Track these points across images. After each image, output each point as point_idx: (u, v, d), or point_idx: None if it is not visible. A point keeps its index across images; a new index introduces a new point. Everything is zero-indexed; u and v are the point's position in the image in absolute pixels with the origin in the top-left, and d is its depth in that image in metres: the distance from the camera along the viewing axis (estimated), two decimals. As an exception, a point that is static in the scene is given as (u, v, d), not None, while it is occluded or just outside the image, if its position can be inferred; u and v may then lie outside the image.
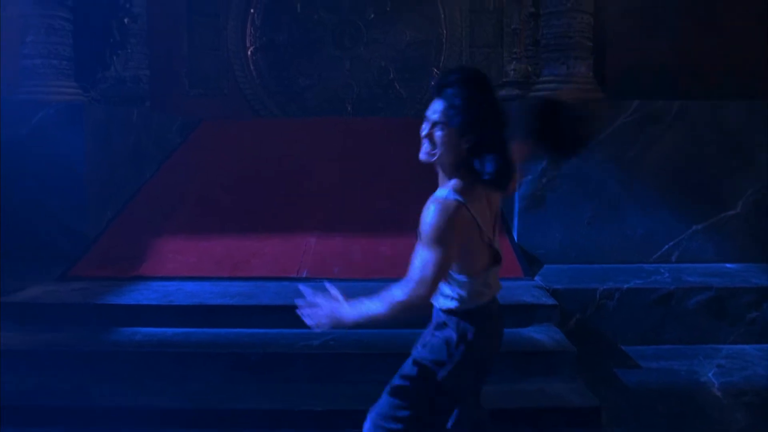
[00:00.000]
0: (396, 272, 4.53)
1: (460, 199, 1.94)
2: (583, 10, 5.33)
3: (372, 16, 9.27)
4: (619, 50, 6.32)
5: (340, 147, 6.85)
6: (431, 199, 1.96)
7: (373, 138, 7.05)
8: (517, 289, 4.39)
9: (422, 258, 1.91)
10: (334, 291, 2.07)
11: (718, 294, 4.53)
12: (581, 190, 5.09)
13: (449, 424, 2.23)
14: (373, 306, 1.97)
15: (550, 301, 4.23)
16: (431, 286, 1.91)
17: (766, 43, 5.97)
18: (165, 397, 3.58)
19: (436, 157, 2.01)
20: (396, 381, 2.18)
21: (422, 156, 2.04)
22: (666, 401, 3.77)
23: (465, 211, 1.94)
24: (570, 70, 5.31)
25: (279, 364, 3.79)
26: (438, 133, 1.98)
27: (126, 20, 7.44)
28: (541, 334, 4.00)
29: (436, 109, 1.99)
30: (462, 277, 2.03)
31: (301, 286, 2.12)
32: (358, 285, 4.48)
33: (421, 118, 2.08)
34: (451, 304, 2.07)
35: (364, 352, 3.79)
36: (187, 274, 4.76)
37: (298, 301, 2.07)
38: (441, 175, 2.06)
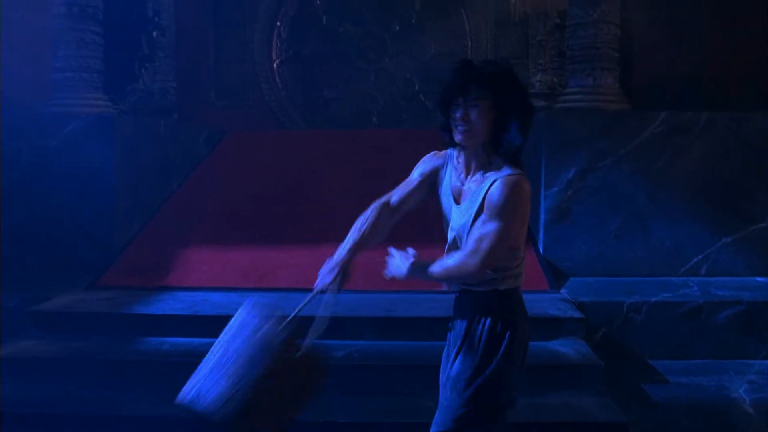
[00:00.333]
0: (418, 284, 4.53)
1: (523, 172, 2.02)
2: (610, 21, 5.30)
3: (397, 28, 9.30)
4: (646, 61, 6.28)
5: (365, 158, 6.86)
6: (500, 177, 1.99)
7: (399, 150, 7.05)
8: (543, 301, 4.35)
9: (485, 230, 1.97)
10: (411, 251, 2.17)
11: (748, 308, 4.44)
12: (607, 201, 5.04)
13: None
14: (433, 266, 2.08)
15: (576, 314, 4.18)
16: (485, 260, 1.98)
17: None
18: (190, 407, 3.59)
19: (473, 135, 2.03)
20: (460, 384, 2.12)
21: (458, 137, 2.06)
22: (695, 418, 3.70)
23: (529, 187, 2.02)
24: (596, 81, 5.28)
25: (303, 375, 3.78)
26: (473, 111, 2.01)
27: (154, 33, 7.56)
28: (567, 347, 3.95)
29: (463, 90, 2.02)
30: (515, 252, 2.08)
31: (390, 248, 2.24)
32: (381, 296, 4.50)
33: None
34: (503, 283, 2.09)
35: (388, 364, 3.78)
36: (213, 285, 4.79)
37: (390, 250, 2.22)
38: (475, 160, 2.09)
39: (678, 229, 5.03)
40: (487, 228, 1.96)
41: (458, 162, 2.17)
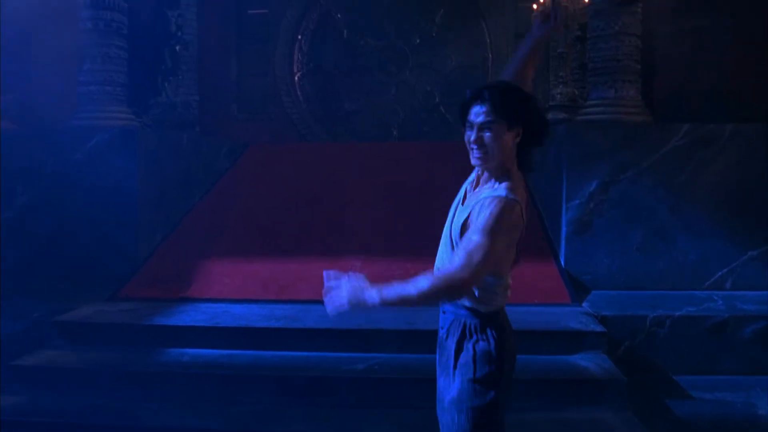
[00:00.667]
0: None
1: (517, 199, 1.99)
2: (631, 33, 5.27)
3: (418, 41, 9.34)
4: (668, 72, 6.22)
5: (385, 171, 6.87)
6: (490, 196, 1.99)
7: (419, 162, 7.06)
8: (564, 315, 4.31)
9: (474, 243, 1.92)
10: (358, 277, 2.04)
11: (775, 323, 4.37)
12: (630, 214, 5.00)
13: None
14: (405, 287, 1.95)
15: (599, 328, 4.14)
16: (475, 275, 1.93)
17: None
18: (211, 418, 3.61)
19: (489, 159, 2.04)
20: (461, 406, 2.10)
21: (475, 161, 2.07)
22: (721, 434, 3.64)
23: (519, 212, 2.00)
24: (618, 93, 5.25)
25: (323, 388, 3.79)
26: (487, 134, 2.02)
27: (177, 48, 7.65)
28: (589, 361, 3.91)
29: (478, 112, 2.03)
30: (498, 277, 2.07)
31: (325, 271, 2.10)
32: (403, 309, 4.48)
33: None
34: (489, 306, 2.09)
35: (408, 377, 3.77)
36: (234, 297, 4.82)
37: (326, 283, 2.08)
38: (485, 176, 2.10)
39: (702, 243, 4.97)
40: (475, 243, 1.92)
41: (474, 172, 2.20)
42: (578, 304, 4.61)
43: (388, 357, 3.97)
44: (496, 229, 1.93)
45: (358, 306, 1.97)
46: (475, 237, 1.93)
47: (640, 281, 4.97)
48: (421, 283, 1.94)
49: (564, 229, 5.06)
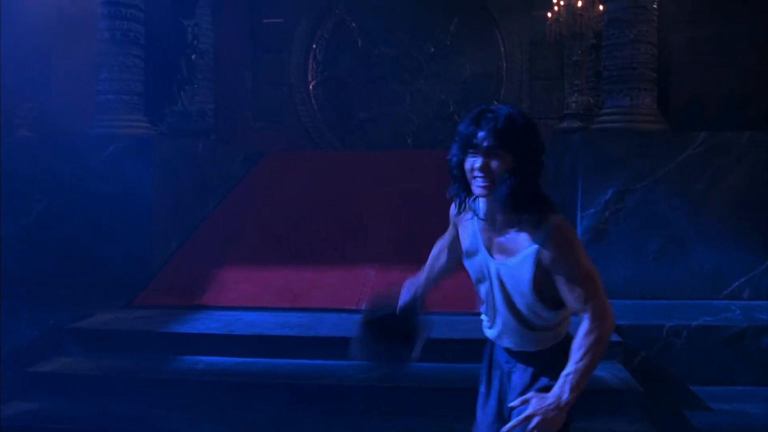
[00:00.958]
0: (454, 305, 4.50)
1: (560, 215, 1.90)
2: (647, 41, 5.25)
3: (432, 50, 9.36)
4: (684, 80, 6.19)
5: (399, 179, 6.88)
6: (549, 229, 1.85)
7: (433, 170, 7.05)
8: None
9: (587, 281, 1.85)
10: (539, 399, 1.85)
11: (793, 333, 4.32)
12: (646, 223, 4.96)
13: None
14: (576, 368, 1.84)
15: (615, 338, 4.10)
16: (605, 300, 1.88)
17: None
18: (225, 425, 3.61)
19: (493, 188, 1.88)
20: None
21: (478, 191, 1.91)
22: (739, 446, 3.59)
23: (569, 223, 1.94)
24: (633, 101, 5.22)
25: (337, 396, 3.78)
26: (494, 162, 1.86)
27: (193, 57, 7.72)
28: (605, 371, 3.88)
29: (484, 137, 1.87)
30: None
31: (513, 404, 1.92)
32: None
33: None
34: (562, 332, 2.04)
35: (422, 386, 3.75)
36: (248, 305, 4.83)
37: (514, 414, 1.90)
38: (501, 215, 1.94)
39: (719, 252, 4.92)
40: (580, 286, 1.84)
41: (481, 215, 2.02)
42: (593, 314, 4.57)
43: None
44: (577, 258, 1.86)
45: (557, 413, 1.82)
46: (576, 282, 1.85)
47: (656, 290, 4.93)
48: (584, 355, 1.84)
49: (579, 238, 5.03)
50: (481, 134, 1.88)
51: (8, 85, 6.09)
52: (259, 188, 6.99)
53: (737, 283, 4.90)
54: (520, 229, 1.91)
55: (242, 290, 5.03)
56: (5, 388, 3.98)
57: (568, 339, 1.98)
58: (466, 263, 2.10)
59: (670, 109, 6.00)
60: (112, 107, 5.72)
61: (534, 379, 2.03)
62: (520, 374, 2.06)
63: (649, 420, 3.60)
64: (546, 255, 1.85)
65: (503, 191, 1.87)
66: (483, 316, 2.20)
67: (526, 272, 1.89)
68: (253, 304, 4.84)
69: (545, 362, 2.02)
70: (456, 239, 2.19)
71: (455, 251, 2.22)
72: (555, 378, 1.90)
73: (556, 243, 1.84)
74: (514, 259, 1.92)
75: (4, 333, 4.59)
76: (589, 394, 3.68)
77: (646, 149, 5.01)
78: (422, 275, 2.41)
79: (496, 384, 2.16)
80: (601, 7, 6.68)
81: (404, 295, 2.36)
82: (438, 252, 2.38)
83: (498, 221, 1.96)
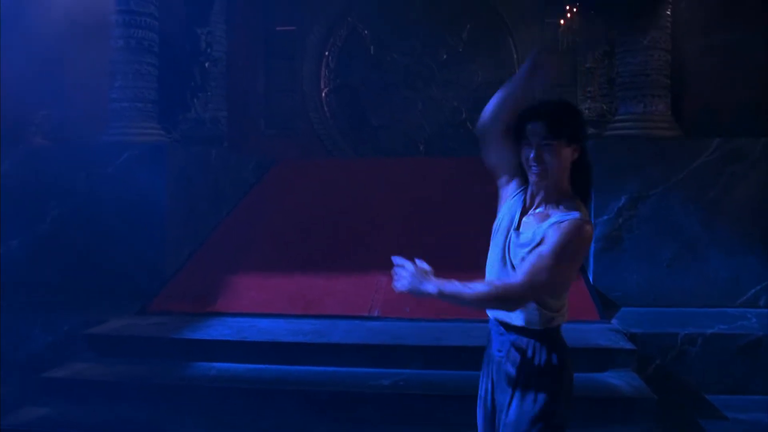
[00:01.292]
0: (467, 313, 4.48)
1: (590, 221, 1.99)
2: (661, 48, 5.23)
3: (444, 57, 9.36)
4: (698, 87, 6.16)
5: (412, 186, 6.88)
6: (566, 219, 1.96)
7: (445, 177, 7.05)
8: (593, 332, 4.25)
9: (542, 263, 1.92)
10: (422, 264, 2.08)
11: (811, 342, 4.27)
12: (660, 230, 4.94)
13: None
14: (463, 287, 1.96)
15: (628, 346, 4.07)
16: (533, 292, 1.95)
17: None
18: (237, 432, 3.61)
19: (548, 176, 2.01)
20: (522, 428, 2.05)
21: (533, 178, 2.04)
22: (755, 456, 3.55)
23: (591, 234, 2.00)
24: (647, 108, 5.20)
25: (349, 403, 3.77)
26: (547, 152, 1.99)
27: (207, 64, 7.76)
28: (619, 379, 3.85)
29: (537, 131, 2.00)
30: (559, 297, 2.06)
31: (394, 258, 2.16)
32: (430, 325, 4.47)
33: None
34: (554, 321, 2.06)
35: (434, 394, 3.74)
36: (261, 311, 4.83)
37: (395, 259, 2.13)
38: (542, 195, 2.06)
39: (734, 259, 4.88)
40: (543, 262, 1.92)
41: (527, 192, 2.14)
42: (607, 321, 4.55)
43: (414, 373, 3.94)
44: (566, 253, 1.93)
45: (416, 292, 2.03)
46: (544, 256, 1.93)
47: (670, 298, 4.90)
48: (478, 287, 1.95)
49: (593, 245, 5.01)
50: (533, 127, 2.02)
51: (23, 94, 6.15)
52: (272, 195, 7.00)
53: (753, 290, 4.86)
54: (549, 211, 2.04)
55: (255, 297, 5.04)
56: (20, 394, 4.01)
57: (559, 333, 2.10)
58: (494, 229, 2.19)
59: (684, 115, 5.97)
60: (126, 115, 5.76)
61: (521, 368, 2.07)
62: (510, 363, 2.10)
63: (663, 429, 3.56)
64: (552, 232, 1.96)
65: (555, 178, 2.02)
66: None
67: (531, 245, 2.00)
68: (266, 310, 4.84)
69: (534, 349, 2.06)
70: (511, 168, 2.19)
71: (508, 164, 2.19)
72: (542, 373, 2.03)
73: (568, 229, 1.94)
74: (528, 234, 2.04)
75: (18, 339, 4.63)
76: (602, 402, 3.68)
77: (659, 156, 4.99)
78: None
79: (488, 381, 2.22)
80: (614, 14, 6.66)
81: None
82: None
83: (536, 201, 2.08)
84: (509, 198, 2.16)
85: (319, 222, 6.20)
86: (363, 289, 5.02)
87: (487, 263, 2.17)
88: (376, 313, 4.69)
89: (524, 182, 2.14)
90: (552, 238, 1.94)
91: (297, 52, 9.54)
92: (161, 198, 5.43)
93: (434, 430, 3.60)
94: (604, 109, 7.63)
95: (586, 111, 7.79)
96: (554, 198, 2.04)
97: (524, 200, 2.12)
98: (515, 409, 2.07)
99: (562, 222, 1.96)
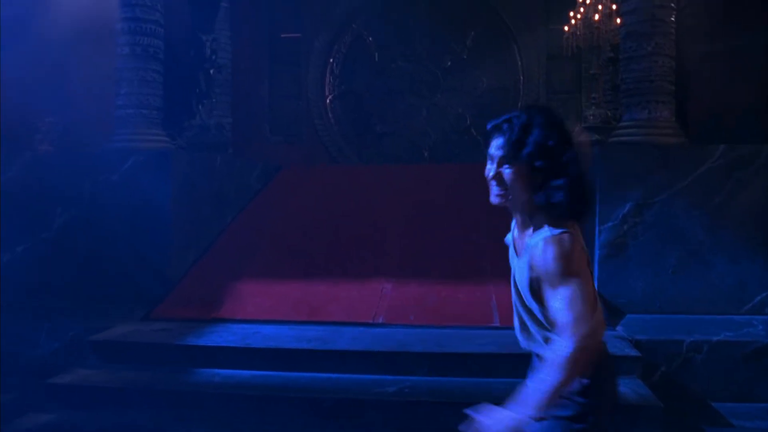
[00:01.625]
0: (472, 319, 4.48)
1: (565, 230, 1.83)
2: (665, 54, 5.23)
3: (449, 63, 9.39)
4: (703, 93, 6.17)
5: (416, 193, 6.88)
6: (539, 239, 1.84)
7: (450, 184, 7.06)
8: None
9: (563, 296, 1.78)
10: (482, 411, 1.85)
11: (817, 349, 4.25)
12: (665, 236, 4.92)
13: None
14: (545, 383, 1.75)
15: (633, 353, 4.07)
16: (589, 320, 1.77)
17: None
18: (241, 439, 3.61)
19: (509, 198, 1.89)
20: None
21: (494, 200, 1.92)
22: (762, 463, 3.53)
23: (575, 240, 1.84)
24: (651, 114, 5.19)
25: (353, 410, 3.77)
26: (507, 171, 1.86)
27: (212, 71, 7.80)
28: (624, 387, 3.83)
29: (498, 145, 1.88)
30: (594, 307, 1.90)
31: (467, 410, 1.91)
32: (434, 332, 4.46)
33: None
34: None
35: (438, 401, 3.73)
36: (265, 318, 4.83)
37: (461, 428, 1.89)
38: (524, 220, 1.94)
39: (740, 266, 4.86)
40: (558, 304, 1.79)
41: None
42: (612, 328, 4.54)
43: (419, 380, 3.94)
44: (567, 270, 1.79)
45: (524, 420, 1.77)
46: (557, 292, 1.80)
47: (675, 305, 4.88)
48: (552, 374, 1.75)
49: (597, 251, 5.00)
50: (495, 141, 1.90)
51: (29, 101, 6.18)
52: (276, 202, 7.01)
53: (759, 297, 4.83)
54: (531, 233, 1.92)
55: (259, 303, 5.04)
56: (24, 400, 4.02)
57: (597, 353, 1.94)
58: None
59: (690, 121, 5.97)
60: (132, 121, 5.78)
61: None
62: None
63: (669, 436, 3.55)
64: (534, 263, 1.85)
65: (519, 201, 1.89)
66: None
67: (525, 275, 1.90)
68: (270, 317, 4.84)
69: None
70: None
71: None
72: (576, 389, 1.89)
73: (541, 253, 1.82)
74: (520, 261, 1.94)
75: (23, 345, 4.64)
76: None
77: (664, 162, 4.98)
78: None
79: None
80: (618, 21, 6.67)
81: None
82: None
83: (519, 222, 1.98)
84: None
85: (323, 228, 6.20)
86: (367, 296, 5.01)
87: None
88: (380, 320, 4.69)
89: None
90: (541, 270, 1.83)
91: (302, 59, 9.58)
92: (166, 204, 5.44)
93: (439, 437, 3.59)
94: (609, 115, 7.64)
95: (591, 117, 7.80)
96: (528, 216, 1.92)
97: (514, 229, 2.03)
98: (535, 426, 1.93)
99: (535, 248, 1.84)
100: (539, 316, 1.92)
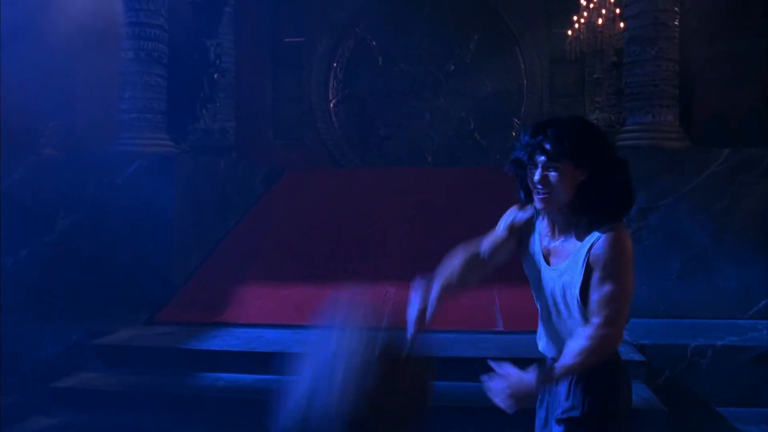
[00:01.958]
0: (475, 323, 4.47)
1: (625, 227, 1.87)
2: (669, 58, 5.22)
3: (452, 67, 9.39)
4: (707, 97, 6.15)
5: (419, 196, 6.88)
6: (602, 237, 1.85)
7: (453, 187, 7.05)
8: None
9: (615, 290, 1.83)
10: (505, 368, 1.88)
11: (822, 354, 4.23)
12: (669, 241, 4.91)
13: None
14: (563, 362, 1.84)
15: (638, 357, 4.05)
16: (621, 322, 1.84)
17: None
18: (244, 443, 3.60)
19: (555, 200, 1.90)
20: None
21: (540, 205, 1.92)
22: (767, 469, 3.52)
23: (630, 238, 1.88)
24: (655, 118, 5.19)
25: (357, 414, 3.75)
26: (553, 174, 1.87)
27: (215, 75, 7.81)
28: (628, 391, 3.82)
29: (545, 149, 1.88)
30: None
31: (490, 362, 1.95)
32: (438, 335, 4.45)
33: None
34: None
35: (441, 405, 3.72)
36: (268, 321, 4.83)
37: (483, 378, 1.94)
38: (561, 222, 1.95)
39: (744, 270, 4.85)
40: (609, 292, 1.83)
41: (542, 219, 2.03)
42: (616, 332, 4.52)
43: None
44: (622, 269, 1.85)
45: (529, 402, 1.87)
46: (607, 286, 1.83)
47: (680, 309, 4.86)
48: (573, 352, 1.83)
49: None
50: (536, 149, 1.90)
51: (33, 105, 6.20)
52: (279, 205, 7.02)
53: (764, 302, 4.82)
54: (577, 233, 1.93)
55: (262, 307, 5.04)
56: (28, 404, 4.02)
57: (617, 355, 1.98)
58: (525, 268, 2.10)
59: (694, 125, 5.96)
60: (136, 126, 5.79)
61: (575, 388, 1.97)
62: (564, 385, 2.00)
63: (673, 441, 3.54)
64: (595, 255, 1.86)
65: (562, 202, 1.90)
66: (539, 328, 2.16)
67: (577, 275, 1.90)
68: (273, 320, 4.84)
69: (588, 373, 1.95)
70: (503, 241, 2.11)
71: (500, 254, 2.12)
72: (594, 393, 1.93)
73: (608, 244, 1.84)
74: (564, 264, 1.94)
75: (27, 348, 4.64)
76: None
77: (668, 166, 4.97)
78: (479, 248, 2.14)
79: (544, 398, 2.11)
80: (621, 25, 6.67)
81: (441, 278, 2.13)
82: (506, 233, 2.13)
83: (557, 226, 1.98)
84: (528, 228, 2.08)
85: (326, 232, 6.20)
86: (371, 300, 4.99)
87: (538, 304, 2.08)
88: (384, 324, 4.67)
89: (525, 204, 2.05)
90: (600, 262, 1.85)
91: (305, 63, 9.60)
92: (169, 208, 5.45)
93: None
94: (613, 119, 7.63)
95: (594, 121, 7.79)
96: (574, 218, 1.93)
97: (545, 228, 2.02)
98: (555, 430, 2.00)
99: (598, 239, 1.86)
100: (578, 314, 1.92)
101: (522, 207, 2.09)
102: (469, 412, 3.65)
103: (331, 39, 9.53)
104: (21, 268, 5.33)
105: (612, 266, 1.84)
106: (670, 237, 4.90)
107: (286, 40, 9.65)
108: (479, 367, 4.01)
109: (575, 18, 7.94)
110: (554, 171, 1.87)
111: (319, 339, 1.92)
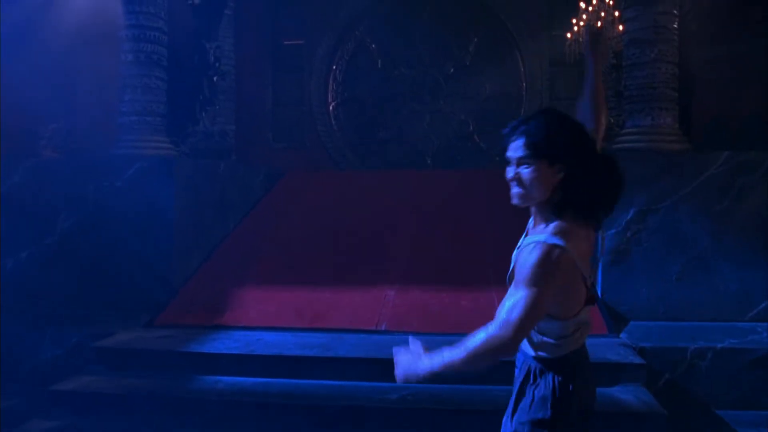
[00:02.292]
0: (475, 326, 4.46)
1: (561, 243, 1.82)
2: (668, 61, 5.23)
3: (452, 70, 9.40)
4: (706, 99, 6.15)
5: (419, 199, 6.88)
6: (533, 241, 1.85)
7: (453, 190, 7.06)
8: (602, 346, 4.23)
9: (514, 299, 1.81)
10: (415, 345, 1.96)
11: (822, 356, 4.23)
12: (669, 243, 4.91)
13: None
14: (451, 353, 1.84)
15: (638, 360, 4.05)
16: (518, 331, 1.79)
17: None
18: (244, 446, 3.61)
19: (528, 198, 1.91)
20: None
21: (514, 200, 1.94)
22: (766, 471, 3.52)
23: (566, 257, 1.82)
24: (654, 121, 5.19)
25: (356, 417, 3.76)
26: (525, 171, 1.88)
27: (215, 78, 7.81)
28: (628, 394, 3.83)
29: (517, 146, 1.90)
30: (557, 322, 1.91)
31: (410, 337, 2.06)
32: (436, 339, 4.44)
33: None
34: (546, 353, 1.95)
35: (440, 408, 3.73)
36: (268, 324, 4.83)
37: (394, 349, 2.04)
38: (537, 217, 1.96)
39: (744, 272, 4.85)
40: (513, 297, 1.81)
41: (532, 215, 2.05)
42: (616, 335, 4.53)
43: (421, 387, 3.92)
44: (537, 280, 1.79)
45: (411, 378, 1.92)
46: (516, 291, 1.82)
47: (679, 312, 4.86)
48: (465, 347, 1.83)
49: (601, 258, 4.98)
50: (513, 143, 1.92)
51: (33, 107, 6.20)
52: (279, 208, 7.02)
53: (763, 304, 4.82)
54: (527, 237, 1.96)
55: (262, 310, 5.04)
56: (28, 406, 4.02)
57: (563, 361, 1.96)
58: None
59: (693, 127, 5.96)
60: (136, 128, 5.80)
61: (520, 390, 2.01)
62: (516, 381, 2.04)
63: (673, 444, 3.54)
64: (520, 259, 1.87)
65: (537, 199, 1.91)
66: None
67: (509, 268, 1.95)
68: (273, 323, 4.84)
69: (534, 373, 1.98)
70: None
71: None
72: (541, 395, 1.93)
73: (529, 252, 1.84)
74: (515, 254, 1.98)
75: (27, 351, 4.64)
76: (612, 417, 3.65)
77: (668, 169, 4.97)
78: None
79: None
80: (621, 28, 6.67)
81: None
82: None
83: (538, 223, 1.98)
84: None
85: (326, 234, 6.21)
86: (370, 303, 5.01)
87: None
88: (383, 327, 4.68)
89: None
90: (518, 268, 1.85)
91: (305, 66, 9.61)
92: (169, 210, 5.44)
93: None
94: (612, 122, 7.62)
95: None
96: (542, 219, 1.93)
97: (528, 225, 2.05)
98: (506, 420, 2.03)
99: (528, 246, 1.85)
100: None
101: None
102: (467, 415, 3.65)
103: (331, 41, 9.55)
104: (21, 270, 5.33)
105: (524, 273, 1.82)
106: (669, 239, 4.90)
107: (286, 42, 9.66)
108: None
109: (574, 21, 7.95)
110: (527, 168, 1.89)
111: None
